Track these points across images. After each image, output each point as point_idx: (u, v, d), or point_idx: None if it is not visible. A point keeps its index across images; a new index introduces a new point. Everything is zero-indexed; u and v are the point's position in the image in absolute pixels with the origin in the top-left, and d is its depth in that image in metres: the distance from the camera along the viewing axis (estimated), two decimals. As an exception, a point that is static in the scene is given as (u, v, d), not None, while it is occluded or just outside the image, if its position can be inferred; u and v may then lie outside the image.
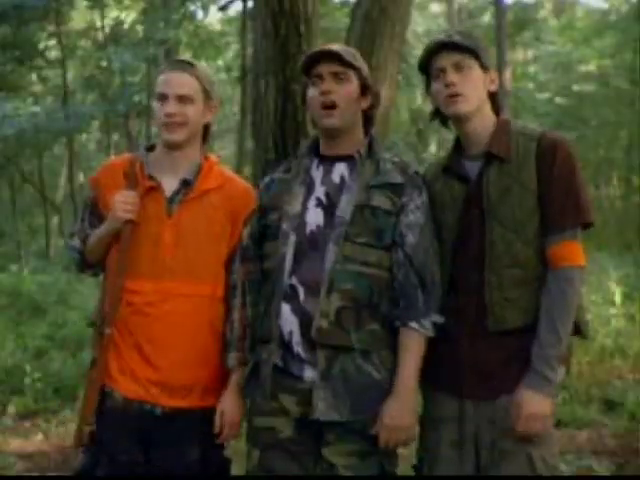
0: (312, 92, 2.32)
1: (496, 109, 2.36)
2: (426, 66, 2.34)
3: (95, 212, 2.52)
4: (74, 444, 2.42)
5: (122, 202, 2.37)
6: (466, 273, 2.28)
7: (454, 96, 2.27)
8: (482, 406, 2.25)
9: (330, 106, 2.28)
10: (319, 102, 2.30)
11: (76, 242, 2.54)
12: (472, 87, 2.28)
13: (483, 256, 2.24)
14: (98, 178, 2.54)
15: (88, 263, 2.55)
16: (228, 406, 2.40)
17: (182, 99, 2.40)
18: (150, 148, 2.55)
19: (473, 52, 2.27)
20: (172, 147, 2.45)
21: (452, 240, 2.30)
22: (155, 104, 2.45)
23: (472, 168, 2.32)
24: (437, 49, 2.29)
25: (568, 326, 2.20)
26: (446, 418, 2.29)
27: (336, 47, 2.32)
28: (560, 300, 2.18)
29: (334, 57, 2.28)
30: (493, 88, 2.33)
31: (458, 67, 2.27)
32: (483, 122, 2.32)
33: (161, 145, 2.49)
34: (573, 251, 2.21)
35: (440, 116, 2.40)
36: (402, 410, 2.20)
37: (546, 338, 2.17)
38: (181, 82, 2.41)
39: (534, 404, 2.17)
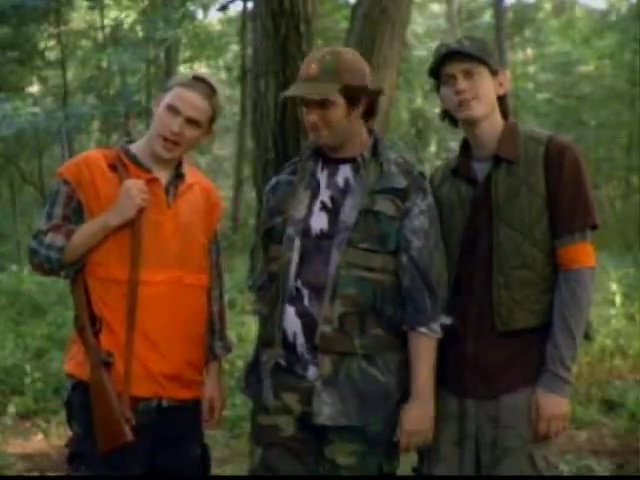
0: (304, 117, 2.30)
1: (504, 112, 2.38)
2: (436, 71, 2.35)
3: (71, 206, 2.38)
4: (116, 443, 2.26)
5: (138, 190, 2.32)
6: (473, 273, 2.29)
7: (465, 102, 2.28)
8: (483, 405, 2.26)
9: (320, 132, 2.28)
10: (309, 128, 2.29)
11: (58, 239, 2.33)
12: (482, 93, 2.29)
13: (491, 257, 2.26)
14: (78, 171, 2.39)
15: (66, 262, 2.36)
16: (216, 392, 2.52)
17: (190, 121, 2.38)
18: (129, 142, 2.51)
19: (482, 59, 2.28)
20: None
21: (460, 241, 2.31)
22: (159, 110, 2.40)
23: (480, 170, 2.34)
24: (447, 56, 2.30)
25: (581, 326, 2.23)
26: (447, 416, 2.30)
27: (311, 83, 2.23)
28: (572, 301, 2.21)
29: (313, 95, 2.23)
30: (502, 92, 2.35)
31: (468, 74, 2.28)
32: (492, 125, 2.34)
33: (150, 145, 2.43)
34: (583, 253, 2.24)
35: (449, 116, 2.41)
36: (422, 415, 2.24)
37: (560, 339, 2.20)
38: (197, 106, 2.38)
39: (553, 405, 2.20)
